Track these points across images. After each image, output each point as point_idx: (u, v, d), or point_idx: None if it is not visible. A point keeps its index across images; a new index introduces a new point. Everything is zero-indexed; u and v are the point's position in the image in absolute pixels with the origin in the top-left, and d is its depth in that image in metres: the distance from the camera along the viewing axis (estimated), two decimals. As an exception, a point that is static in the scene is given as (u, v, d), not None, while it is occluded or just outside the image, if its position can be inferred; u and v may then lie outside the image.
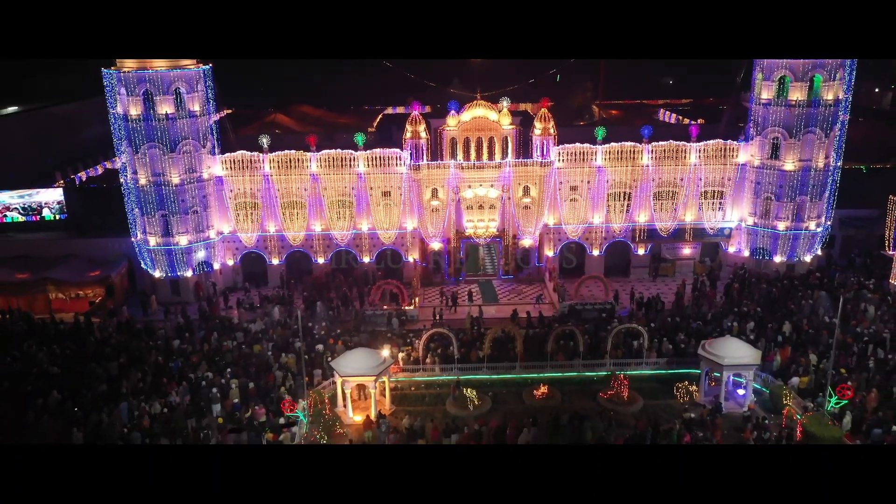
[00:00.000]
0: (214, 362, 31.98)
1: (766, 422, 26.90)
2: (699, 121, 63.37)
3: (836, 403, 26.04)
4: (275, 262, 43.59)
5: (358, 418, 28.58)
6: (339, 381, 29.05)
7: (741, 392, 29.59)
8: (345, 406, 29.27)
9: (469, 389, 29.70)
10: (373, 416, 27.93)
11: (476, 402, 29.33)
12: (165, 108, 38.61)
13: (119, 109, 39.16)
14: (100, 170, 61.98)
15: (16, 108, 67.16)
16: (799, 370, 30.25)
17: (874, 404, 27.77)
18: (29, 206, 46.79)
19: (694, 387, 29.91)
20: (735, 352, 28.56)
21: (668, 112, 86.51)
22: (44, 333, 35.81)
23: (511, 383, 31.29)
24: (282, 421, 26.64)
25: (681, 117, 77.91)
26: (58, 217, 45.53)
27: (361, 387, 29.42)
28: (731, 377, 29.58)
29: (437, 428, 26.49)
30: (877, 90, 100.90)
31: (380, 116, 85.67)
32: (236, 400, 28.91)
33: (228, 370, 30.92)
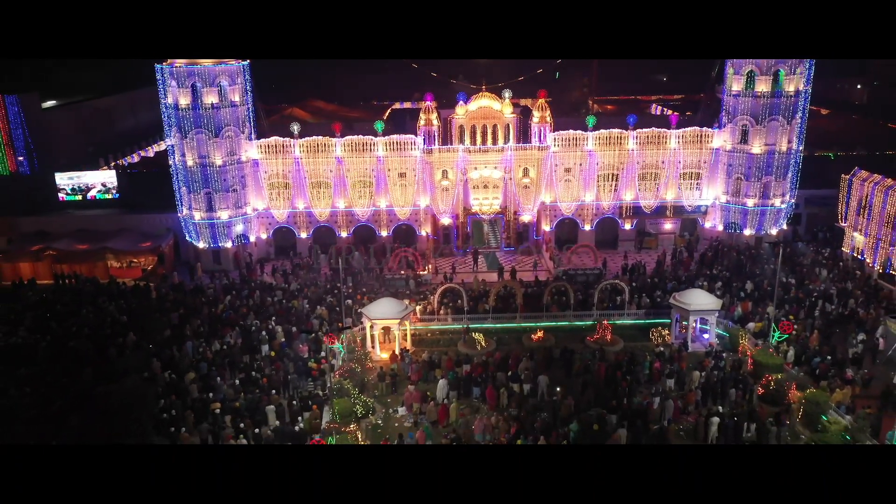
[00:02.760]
0: (260, 313, 37.61)
1: (724, 354, 32.49)
2: (687, 113, 68.80)
3: (779, 337, 31.69)
4: (303, 235, 49.22)
5: (384, 355, 34.15)
6: (368, 324, 34.61)
7: (706, 336, 35.16)
8: (373, 346, 34.85)
9: (477, 333, 35.31)
10: (397, 351, 33.54)
11: (483, 344, 34.83)
12: (211, 98, 44.21)
13: (170, 100, 44.72)
14: (136, 157, 67.56)
15: (54, 101, 72.71)
16: (755, 318, 35.87)
17: (815, 343, 33.38)
18: (77, 187, 52.50)
19: (666, 331, 35.46)
20: (700, 300, 34.08)
21: (660, 107, 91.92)
22: (109, 292, 41.45)
23: (512, 330, 36.85)
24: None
25: (669, 111, 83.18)
26: (111, 196, 51.17)
27: (386, 330, 34.89)
28: (698, 324, 35.13)
29: (451, 359, 32.06)
30: (859, 86, 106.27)
31: (389, 110, 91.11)
32: (283, 340, 34.53)
33: (273, 318, 36.57)
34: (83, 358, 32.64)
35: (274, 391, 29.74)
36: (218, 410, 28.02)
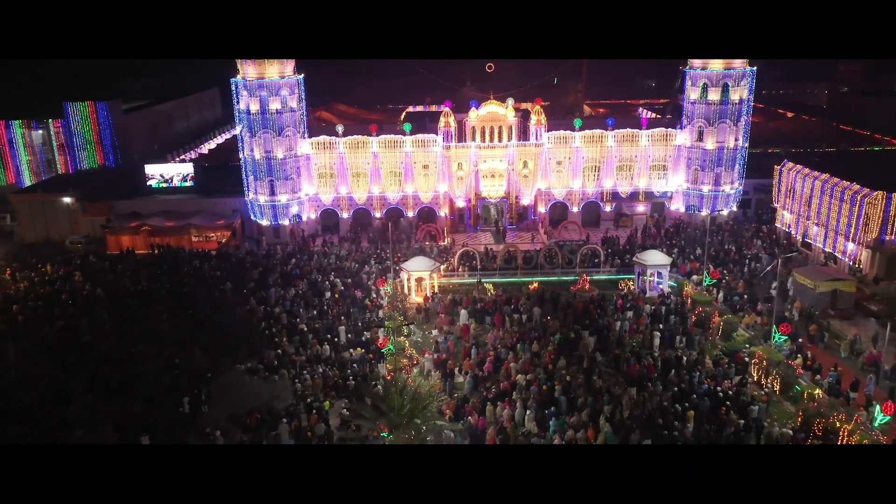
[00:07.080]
0: (321, 271, 49.05)
1: (671, 297, 43.86)
2: (668, 116, 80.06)
3: (710, 282, 43.17)
4: (345, 215, 60.72)
5: (419, 299, 45.51)
6: (405, 276, 46.00)
7: (661, 286, 46.49)
8: (409, 293, 46.22)
9: (488, 284, 46.74)
10: (428, 294, 44.97)
11: (492, 292, 46.23)
12: (275, 105, 55.69)
13: (242, 106, 56.21)
14: (194, 154, 79.13)
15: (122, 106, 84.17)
16: (698, 272, 47.29)
17: (741, 290, 44.74)
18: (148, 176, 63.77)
19: (631, 283, 46.85)
20: (655, 257, 45.46)
21: (646, 110, 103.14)
22: (199, 257, 52.92)
23: (514, 283, 48.21)
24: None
25: (654, 114, 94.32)
26: (188, 184, 62.72)
27: (419, 280, 46.28)
28: (656, 277, 46.40)
29: (469, 299, 43.49)
30: (826, 91, 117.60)
31: (404, 113, 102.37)
32: (342, 288, 45.95)
33: (332, 273, 48.03)
34: (197, 298, 44.13)
35: (343, 317, 41.19)
36: (305, 329, 39.48)
